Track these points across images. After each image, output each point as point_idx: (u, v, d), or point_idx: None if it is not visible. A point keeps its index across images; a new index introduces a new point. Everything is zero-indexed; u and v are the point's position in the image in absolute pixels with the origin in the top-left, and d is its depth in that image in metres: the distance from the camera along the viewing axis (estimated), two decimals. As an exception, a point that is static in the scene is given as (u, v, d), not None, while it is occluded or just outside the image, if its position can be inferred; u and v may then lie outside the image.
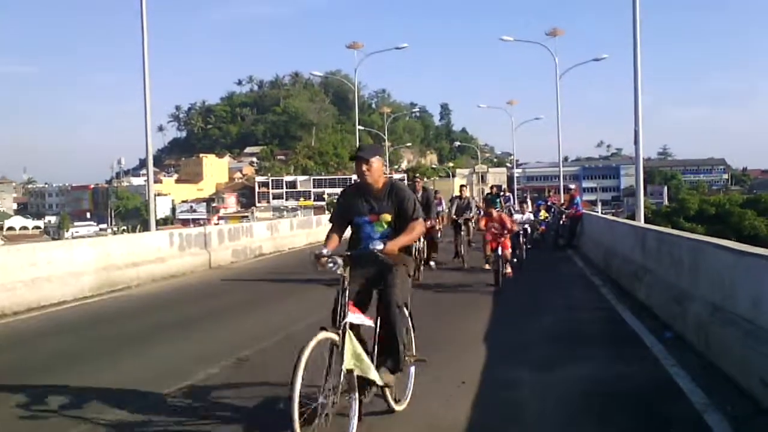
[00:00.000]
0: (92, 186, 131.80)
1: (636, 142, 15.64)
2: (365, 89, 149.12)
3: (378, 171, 4.55)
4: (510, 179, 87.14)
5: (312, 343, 3.79)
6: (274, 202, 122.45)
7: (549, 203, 23.91)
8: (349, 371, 3.99)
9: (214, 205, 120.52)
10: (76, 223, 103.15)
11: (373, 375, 4.16)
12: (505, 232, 11.59)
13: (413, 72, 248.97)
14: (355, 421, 4.11)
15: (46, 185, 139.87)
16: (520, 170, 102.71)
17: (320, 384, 3.86)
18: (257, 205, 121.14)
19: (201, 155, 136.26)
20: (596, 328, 7.99)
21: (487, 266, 12.26)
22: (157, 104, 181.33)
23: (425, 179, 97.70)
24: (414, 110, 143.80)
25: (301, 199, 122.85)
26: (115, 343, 7.46)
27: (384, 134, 74.64)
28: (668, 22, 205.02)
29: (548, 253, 17.31)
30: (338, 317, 4.06)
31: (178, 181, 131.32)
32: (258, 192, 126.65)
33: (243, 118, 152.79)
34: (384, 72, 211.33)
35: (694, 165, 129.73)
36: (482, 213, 19.42)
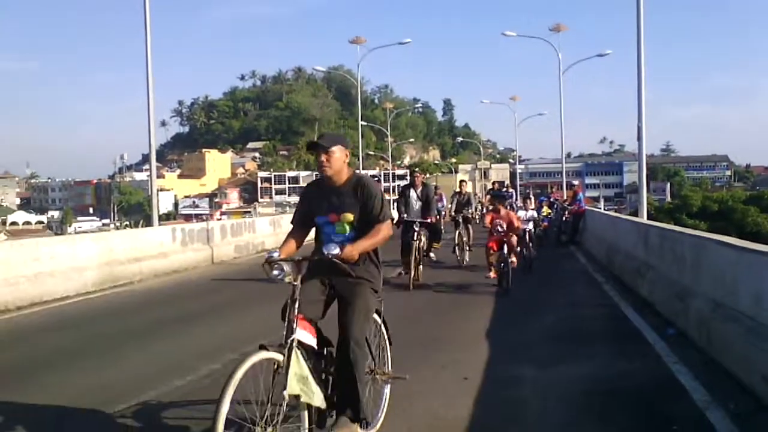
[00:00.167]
0: (95, 181, 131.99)
1: (639, 138, 15.60)
2: (368, 84, 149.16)
3: (339, 162, 3.95)
4: (513, 175, 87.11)
5: (245, 366, 3.25)
6: (277, 198, 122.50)
7: (552, 199, 23.91)
8: (296, 397, 3.49)
9: (216, 200, 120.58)
10: (78, 218, 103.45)
11: (318, 401, 3.60)
12: (510, 233, 10.68)
13: (416, 67, 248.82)
14: None
15: (49, 180, 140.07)
16: (522, 166, 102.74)
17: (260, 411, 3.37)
18: (260, 200, 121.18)
19: (203, 150, 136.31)
20: (598, 325, 7.98)
21: (491, 274, 10.77)
22: (160, 99, 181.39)
23: (427, 175, 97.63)
24: (417, 106, 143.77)
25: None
26: (117, 339, 7.48)
27: (387, 130, 74.57)
28: (671, 20, 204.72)
29: (551, 250, 17.30)
30: (285, 333, 3.54)
31: (180, 176, 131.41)
32: (260, 187, 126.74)
33: (246, 114, 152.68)
34: (387, 67, 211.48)
35: (697, 161, 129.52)
36: (484, 209, 19.24)
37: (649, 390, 5.19)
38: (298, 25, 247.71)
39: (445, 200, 19.84)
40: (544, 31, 52.46)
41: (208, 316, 8.78)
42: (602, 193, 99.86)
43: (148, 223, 18.44)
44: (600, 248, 14.54)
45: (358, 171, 4.18)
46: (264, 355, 3.40)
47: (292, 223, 4.24)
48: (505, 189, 23.60)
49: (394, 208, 12.76)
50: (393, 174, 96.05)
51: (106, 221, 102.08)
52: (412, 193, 11.51)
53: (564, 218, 19.45)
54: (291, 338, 3.51)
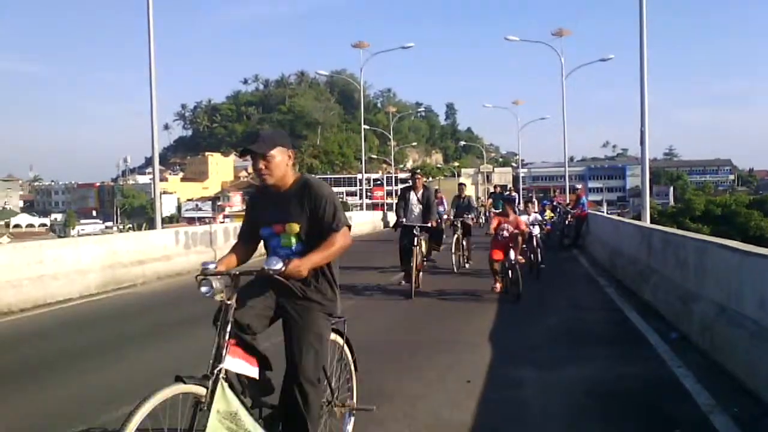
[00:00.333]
0: (98, 184, 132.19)
1: (642, 142, 15.60)
2: (371, 88, 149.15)
3: (281, 167, 3.36)
4: (515, 179, 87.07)
5: (150, 403, 2.73)
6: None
7: (554, 203, 23.89)
8: None
9: (219, 203, 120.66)
10: (82, 221, 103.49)
11: None
12: (519, 238, 10.11)
13: (419, 71, 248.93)
14: None
15: (53, 183, 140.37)
16: (525, 170, 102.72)
17: None
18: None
19: (206, 154, 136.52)
20: (601, 328, 7.97)
21: (497, 287, 10.05)
22: (163, 103, 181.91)
23: (430, 178, 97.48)
24: (419, 110, 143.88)
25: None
26: (120, 341, 7.48)
27: (389, 134, 74.62)
28: (674, 24, 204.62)
29: (553, 253, 17.28)
30: (211, 361, 3.06)
31: (183, 179, 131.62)
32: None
33: (249, 117, 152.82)
34: (389, 71, 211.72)
35: (700, 165, 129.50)
36: (488, 212, 19.00)
37: (653, 393, 5.18)
38: (301, 30, 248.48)
39: (446, 204, 19.77)
40: (547, 35, 52.62)
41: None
42: (605, 197, 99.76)
43: (151, 226, 18.45)
44: (603, 252, 14.52)
45: (305, 174, 3.65)
46: (179, 388, 2.89)
47: (238, 236, 3.70)
48: (507, 192, 23.50)
49: (392, 211, 12.63)
50: (396, 178, 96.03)
51: (109, 224, 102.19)
52: (413, 197, 11.07)
53: (567, 222, 19.43)
54: (217, 368, 3.01)
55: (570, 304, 9.63)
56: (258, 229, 3.54)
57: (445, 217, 16.00)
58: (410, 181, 11.49)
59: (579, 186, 22.93)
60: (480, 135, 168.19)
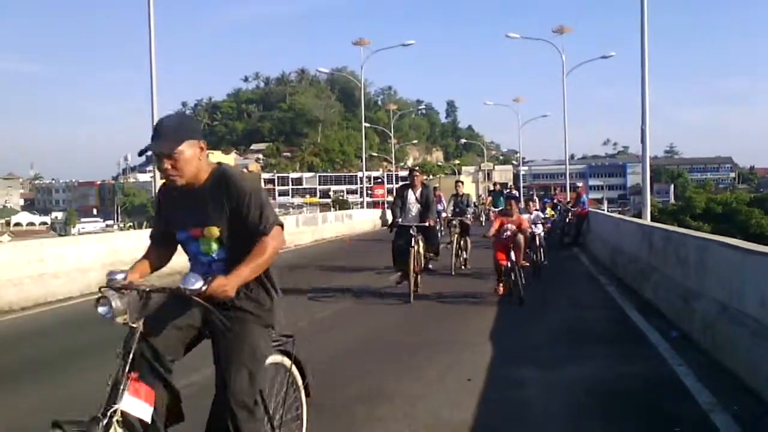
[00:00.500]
0: (99, 182, 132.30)
1: (643, 140, 15.58)
2: (371, 86, 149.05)
3: (193, 162, 2.79)
4: (516, 177, 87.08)
5: None
6: (280, 199, 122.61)
7: (555, 201, 23.88)
8: None
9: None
10: (82, 219, 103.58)
11: None
12: (521, 239, 9.58)
13: (419, 69, 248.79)
14: None
15: (53, 181, 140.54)
16: (526, 168, 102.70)
17: None
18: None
19: (207, 152, 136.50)
20: (602, 327, 7.96)
21: (500, 289, 9.66)
22: (164, 101, 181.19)
23: (430, 176, 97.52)
24: (420, 107, 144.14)
25: (307, 196, 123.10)
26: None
27: (390, 131, 74.59)
28: (675, 21, 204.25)
29: (554, 252, 17.29)
30: (105, 402, 2.64)
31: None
32: (264, 189, 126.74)
33: (249, 115, 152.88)
34: (390, 69, 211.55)
35: (701, 163, 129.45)
36: (488, 211, 18.71)
37: (653, 392, 5.17)
38: (301, 28, 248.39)
39: (444, 202, 19.69)
40: (548, 32, 52.58)
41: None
42: (606, 195, 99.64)
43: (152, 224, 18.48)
44: (604, 250, 14.51)
45: (222, 164, 2.99)
46: None
47: (150, 237, 3.24)
48: (508, 190, 23.41)
49: (388, 210, 11.75)
50: (396, 175, 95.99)
51: (110, 222, 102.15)
52: (410, 195, 10.38)
53: (567, 220, 19.43)
54: (111, 409, 2.60)
55: (571, 303, 9.63)
56: (172, 231, 3.07)
57: (444, 215, 15.52)
58: (408, 178, 10.83)
59: (580, 184, 22.92)
60: (481, 133, 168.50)
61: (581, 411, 4.81)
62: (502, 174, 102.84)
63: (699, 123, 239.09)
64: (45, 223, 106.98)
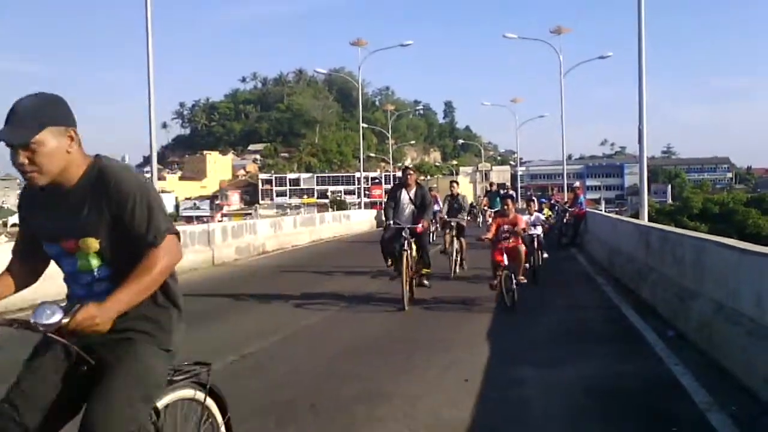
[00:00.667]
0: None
1: (640, 140, 15.61)
2: (369, 87, 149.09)
3: (57, 155, 2.19)
4: (513, 177, 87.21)
5: None
6: (278, 200, 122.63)
7: (552, 201, 23.91)
8: None
9: (217, 202, 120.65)
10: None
11: None
12: (514, 237, 9.15)
13: (417, 69, 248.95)
14: None
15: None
16: (523, 168, 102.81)
17: None
18: (261, 202, 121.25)
19: (204, 152, 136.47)
20: (599, 326, 7.98)
21: (495, 283, 9.15)
22: (161, 101, 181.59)
23: (428, 177, 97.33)
24: (418, 108, 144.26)
25: (305, 196, 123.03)
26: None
27: (388, 132, 74.65)
28: (673, 22, 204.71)
29: (551, 252, 17.31)
30: None
31: (181, 178, 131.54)
32: (261, 189, 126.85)
33: (247, 116, 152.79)
34: (388, 69, 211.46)
35: (698, 163, 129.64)
36: (482, 211, 18.44)
37: (650, 392, 5.18)
38: (299, 28, 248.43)
39: (440, 203, 19.57)
40: (545, 33, 52.52)
41: (209, 317, 8.77)
42: (603, 195, 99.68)
43: (149, 224, 18.46)
44: (601, 250, 14.53)
45: (101, 157, 2.34)
46: None
47: (13, 252, 2.58)
48: (505, 191, 23.34)
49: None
50: (394, 176, 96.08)
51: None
52: (404, 195, 9.77)
53: (564, 220, 19.45)
54: None
55: (568, 303, 9.64)
56: (40, 243, 2.43)
57: (440, 216, 14.76)
58: (401, 178, 10.22)
59: (577, 184, 22.94)
60: (478, 133, 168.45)
61: (579, 411, 4.82)
62: (500, 174, 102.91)
63: (696, 123, 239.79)
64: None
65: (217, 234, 16.15)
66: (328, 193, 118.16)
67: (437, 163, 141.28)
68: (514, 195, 22.79)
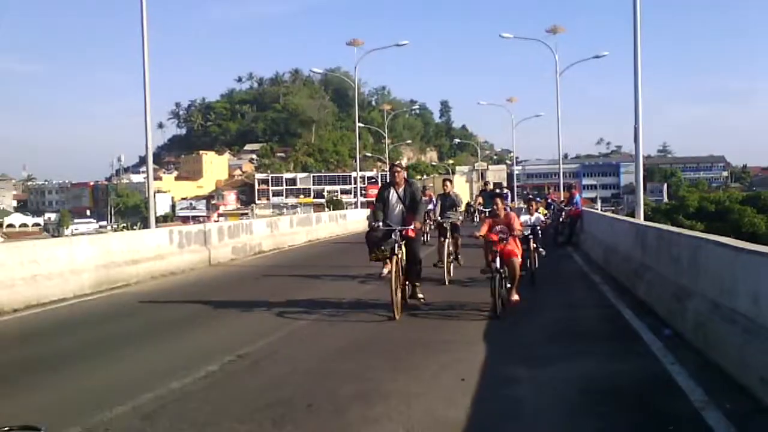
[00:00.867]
0: (92, 183, 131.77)
1: (636, 139, 15.62)
2: (365, 86, 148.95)
3: None
4: (510, 176, 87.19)
5: None
6: (274, 200, 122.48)
7: (549, 200, 23.93)
8: None
9: (213, 202, 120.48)
10: (75, 221, 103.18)
11: None
12: (509, 237, 8.62)
13: (413, 69, 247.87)
14: None
15: (46, 182, 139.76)
16: (519, 167, 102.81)
17: None
18: (257, 202, 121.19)
19: (201, 152, 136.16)
20: (595, 325, 7.99)
21: (488, 269, 8.60)
22: (157, 101, 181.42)
23: (424, 176, 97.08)
24: (414, 107, 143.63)
25: (301, 196, 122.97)
26: (114, 341, 7.47)
27: (384, 131, 74.61)
28: (669, 20, 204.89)
29: (547, 251, 17.32)
30: None
31: (177, 178, 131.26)
32: (258, 189, 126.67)
33: (243, 116, 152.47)
34: (384, 69, 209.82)
35: (693, 162, 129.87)
36: (475, 212, 18.23)
37: (646, 390, 5.20)
38: (295, 28, 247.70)
39: (434, 201, 19.43)
40: (541, 32, 52.64)
41: (205, 318, 8.76)
42: (599, 194, 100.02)
43: (145, 225, 18.45)
44: (597, 249, 14.55)
45: None
46: None
47: None
48: (500, 190, 23.18)
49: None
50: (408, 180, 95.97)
51: (103, 223, 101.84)
52: (392, 194, 9.02)
53: (561, 219, 19.48)
54: None
55: (564, 302, 9.66)
56: None
57: (433, 217, 14.17)
58: (389, 176, 9.45)
59: (573, 183, 22.92)
60: (474, 132, 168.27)
61: (575, 409, 4.82)
62: (496, 174, 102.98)
63: (692, 122, 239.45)
64: (38, 225, 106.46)
65: (214, 234, 16.14)
66: (325, 193, 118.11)
67: (434, 163, 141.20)
68: (509, 194, 22.53)
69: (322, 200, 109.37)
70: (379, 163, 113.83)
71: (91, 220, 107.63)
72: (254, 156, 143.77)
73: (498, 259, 8.35)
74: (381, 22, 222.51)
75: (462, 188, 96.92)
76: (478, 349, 6.63)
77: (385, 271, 8.82)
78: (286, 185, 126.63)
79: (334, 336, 7.49)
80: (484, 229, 8.84)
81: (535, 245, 11.44)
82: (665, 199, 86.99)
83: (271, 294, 10.71)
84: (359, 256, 8.43)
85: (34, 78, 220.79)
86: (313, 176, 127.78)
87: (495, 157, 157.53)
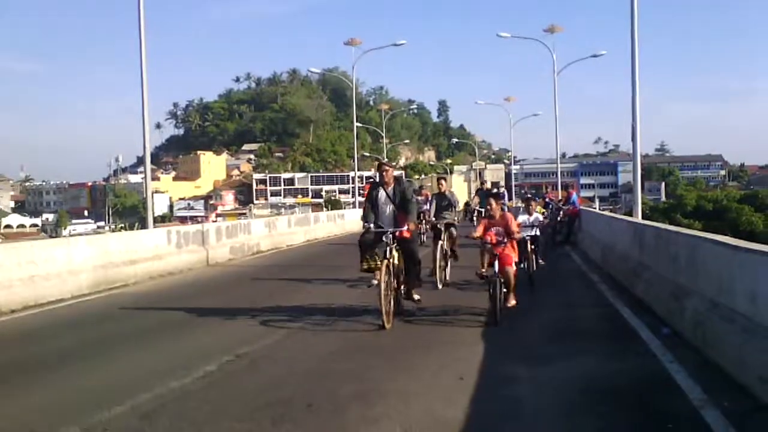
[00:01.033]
0: (90, 184, 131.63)
1: (633, 138, 15.63)
2: (363, 86, 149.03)
3: None
4: (508, 176, 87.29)
5: None
6: (272, 200, 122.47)
7: (546, 199, 23.93)
8: None
9: (211, 202, 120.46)
10: (73, 221, 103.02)
11: None
12: (506, 240, 8.31)
13: (411, 69, 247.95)
14: None
15: (44, 183, 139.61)
16: (517, 167, 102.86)
17: None
18: (255, 202, 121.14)
19: (199, 152, 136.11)
20: (594, 324, 7.99)
21: (482, 271, 8.34)
22: (155, 102, 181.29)
23: (422, 176, 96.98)
24: (412, 107, 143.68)
25: (299, 196, 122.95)
26: (112, 341, 7.46)
27: (382, 131, 74.60)
28: (666, 19, 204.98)
29: (546, 250, 17.30)
30: None
31: (175, 178, 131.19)
32: (256, 189, 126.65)
33: (241, 116, 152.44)
34: (382, 69, 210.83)
35: (691, 161, 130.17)
36: (473, 213, 18.06)
37: (645, 389, 5.20)
38: (293, 27, 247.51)
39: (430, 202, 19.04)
40: (539, 32, 52.71)
41: (203, 318, 8.75)
42: (597, 193, 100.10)
43: (143, 225, 18.41)
44: (595, 248, 14.55)
45: None
46: None
47: None
48: (496, 190, 23.02)
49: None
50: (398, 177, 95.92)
51: (101, 224, 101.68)
52: (381, 194, 8.43)
53: (559, 218, 19.49)
54: None
55: (562, 301, 9.65)
56: None
57: (428, 217, 12.97)
58: (377, 175, 8.84)
59: (570, 183, 22.91)
60: (472, 132, 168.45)
61: (573, 408, 4.82)
62: (494, 173, 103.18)
63: (690, 121, 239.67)
64: (36, 225, 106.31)
65: (212, 234, 16.12)
66: (323, 193, 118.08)
67: (432, 162, 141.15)
68: (506, 194, 22.26)
69: (320, 200, 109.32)
70: (376, 163, 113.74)
71: (89, 220, 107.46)
72: (252, 156, 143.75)
73: (497, 263, 8.05)
74: (379, 22, 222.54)
75: (460, 188, 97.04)
76: (477, 348, 6.63)
77: (375, 282, 8.01)
78: (284, 185, 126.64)
79: (334, 335, 7.47)
80: (480, 230, 8.57)
81: (534, 249, 11.00)
82: (663, 198, 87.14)
83: (270, 294, 10.71)
84: (356, 256, 8.34)
85: (31, 77, 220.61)
86: (311, 176, 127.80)
87: (493, 157, 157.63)
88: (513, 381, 5.46)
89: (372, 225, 8.16)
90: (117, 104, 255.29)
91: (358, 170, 52.86)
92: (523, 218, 11.26)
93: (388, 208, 8.41)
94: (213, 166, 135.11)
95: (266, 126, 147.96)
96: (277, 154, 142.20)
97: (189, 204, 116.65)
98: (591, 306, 9.21)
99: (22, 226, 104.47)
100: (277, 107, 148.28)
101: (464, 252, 12.35)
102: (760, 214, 48.10)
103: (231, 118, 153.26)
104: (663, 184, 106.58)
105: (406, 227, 8.06)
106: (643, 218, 16.28)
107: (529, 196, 15.88)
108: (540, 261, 11.44)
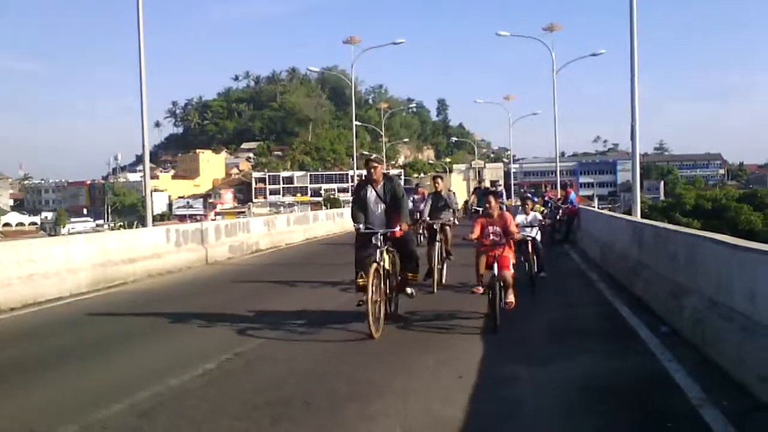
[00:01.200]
0: (89, 182, 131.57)
1: (633, 137, 15.63)
2: (362, 85, 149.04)
3: None
4: (507, 174, 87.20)
5: None
6: (271, 198, 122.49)
7: (546, 198, 23.94)
8: None
9: (210, 200, 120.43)
10: (72, 219, 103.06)
11: None
12: (504, 241, 7.88)
13: (410, 67, 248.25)
14: None
15: (43, 181, 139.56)
16: (517, 166, 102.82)
17: None
18: (254, 200, 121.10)
19: (197, 151, 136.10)
20: (593, 323, 7.99)
21: (479, 289, 7.95)
22: (154, 100, 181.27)
23: (421, 174, 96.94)
24: (411, 106, 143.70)
25: (298, 194, 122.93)
26: (111, 339, 7.45)
27: (381, 130, 74.60)
28: (667, 13, 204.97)
29: (545, 249, 17.29)
30: None
31: (174, 176, 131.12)
32: (255, 188, 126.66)
33: (240, 114, 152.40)
34: (381, 67, 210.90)
35: (690, 160, 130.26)
36: (471, 212, 17.91)
37: (644, 388, 5.20)
38: (292, 26, 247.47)
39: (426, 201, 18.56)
40: (538, 30, 52.68)
41: (202, 316, 8.73)
42: (596, 192, 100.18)
43: (142, 223, 18.41)
44: (594, 247, 14.55)
45: None
46: None
47: None
48: (494, 189, 22.86)
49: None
50: (385, 174, 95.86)
51: (100, 222, 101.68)
52: (370, 193, 7.89)
53: (558, 217, 19.50)
54: None
55: (561, 300, 9.65)
56: None
57: (424, 217, 11.99)
58: (365, 172, 8.21)
59: (569, 182, 22.94)
60: (471, 131, 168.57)
61: (572, 407, 4.82)
62: (493, 172, 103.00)
63: (689, 120, 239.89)
64: (34, 224, 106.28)
65: (211, 233, 16.11)
66: (322, 191, 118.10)
67: (431, 161, 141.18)
68: (504, 192, 21.98)
69: (320, 198, 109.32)
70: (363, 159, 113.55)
71: (88, 218, 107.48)
72: (251, 154, 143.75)
73: (495, 265, 7.65)
74: (378, 21, 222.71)
75: (459, 186, 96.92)
76: (476, 347, 6.63)
77: (363, 302, 7.21)
78: (283, 184, 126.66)
79: (333, 335, 7.46)
80: (477, 231, 8.01)
81: (534, 251, 10.59)
82: (662, 197, 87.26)
83: (269, 293, 10.71)
84: (348, 258, 8.24)
85: (31, 76, 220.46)
86: (310, 175, 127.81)
87: (492, 155, 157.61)
88: (512, 380, 5.46)
89: (362, 226, 7.68)
90: (117, 104, 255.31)
91: (357, 169, 52.73)
92: (520, 218, 10.98)
93: (379, 208, 7.89)
94: (212, 164, 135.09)
95: (265, 124, 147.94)
96: (276, 153, 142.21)
97: (188, 202, 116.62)
98: (590, 305, 9.21)
99: (21, 224, 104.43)
100: (276, 106, 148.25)
101: (459, 251, 11.93)
102: (759, 213, 48.20)
103: (230, 116, 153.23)
104: (662, 183, 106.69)
105: (398, 228, 7.56)
106: (642, 217, 16.29)
107: (526, 195, 15.73)
108: (542, 274, 10.80)
